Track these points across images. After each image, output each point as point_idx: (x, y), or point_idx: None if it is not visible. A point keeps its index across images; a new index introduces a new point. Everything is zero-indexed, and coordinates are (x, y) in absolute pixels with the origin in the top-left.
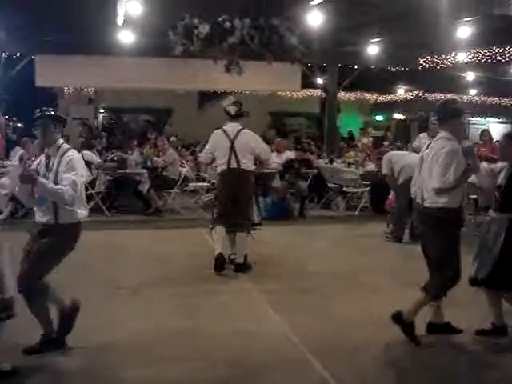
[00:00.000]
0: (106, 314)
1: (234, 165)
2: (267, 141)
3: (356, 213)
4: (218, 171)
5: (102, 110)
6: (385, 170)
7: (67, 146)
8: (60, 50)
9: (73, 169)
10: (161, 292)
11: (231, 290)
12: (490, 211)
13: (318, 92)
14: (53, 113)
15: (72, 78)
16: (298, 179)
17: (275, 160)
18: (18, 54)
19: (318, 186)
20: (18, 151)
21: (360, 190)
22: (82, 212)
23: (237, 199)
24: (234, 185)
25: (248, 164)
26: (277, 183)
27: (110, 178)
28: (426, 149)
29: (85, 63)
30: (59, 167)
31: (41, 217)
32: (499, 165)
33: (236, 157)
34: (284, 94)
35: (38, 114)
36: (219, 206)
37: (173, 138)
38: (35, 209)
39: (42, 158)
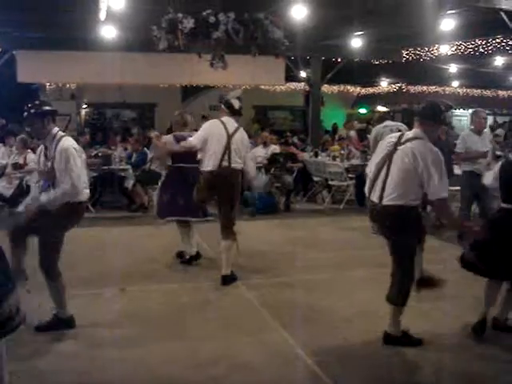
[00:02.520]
0: (94, 312)
1: (225, 163)
2: (250, 135)
3: (341, 206)
4: (205, 168)
5: (85, 106)
6: (372, 150)
7: (61, 135)
8: (42, 45)
9: (67, 160)
10: (146, 289)
11: (218, 287)
12: (502, 203)
13: (302, 85)
14: (45, 108)
15: (54, 73)
16: (283, 173)
17: (260, 154)
18: None
19: (303, 180)
20: (0, 147)
21: (345, 183)
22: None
23: (222, 201)
24: (221, 186)
25: (239, 164)
26: (260, 179)
27: (95, 174)
28: (396, 145)
29: (67, 59)
30: (55, 157)
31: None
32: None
33: (229, 154)
34: (268, 87)
35: (25, 114)
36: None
37: (156, 133)
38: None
39: (42, 147)
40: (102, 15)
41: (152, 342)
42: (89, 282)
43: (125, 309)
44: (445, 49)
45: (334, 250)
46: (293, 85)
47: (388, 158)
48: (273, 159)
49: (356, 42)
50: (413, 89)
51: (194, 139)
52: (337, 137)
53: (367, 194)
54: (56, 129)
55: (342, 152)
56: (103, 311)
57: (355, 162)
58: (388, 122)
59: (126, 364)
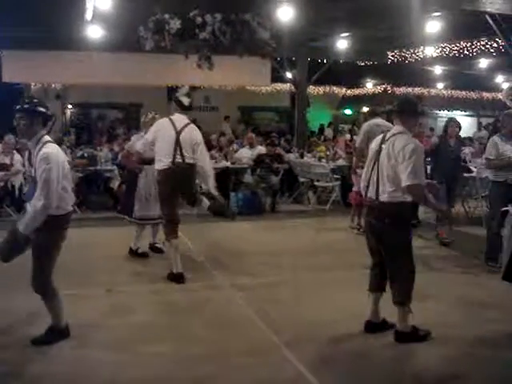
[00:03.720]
0: (81, 314)
1: (178, 159)
2: (237, 136)
3: (327, 207)
4: (160, 167)
5: (70, 106)
6: (360, 144)
7: (46, 139)
8: (27, 45)
9: (46, 162)
10: (134, 289)
11: (204, 286)
12: None
13: (288, 86)
14: (39, 108)
15: (40, 73)
16: (269, 174)
17: (246, 155)
18: None
19: (289, 181)
20: None
21: (331, 184)
22: (66, 204)
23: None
24: (179, 181)
25: (192, 159)
26: (248, 178)
27: (80, 174)
28: (382, 143)
29: (53, 59)
30: (36, 163)
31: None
32: None
33: (181, 150)
34: (253, 88)
35: (17, 107)
36: (166, 208)
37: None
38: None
39: (27, 152)
40: (89, 15)
41: (140, 342)
42: (75, 282)
43: (112, 309)
44: (430, 51)
45: (320, 250)
46: (278, 85)
47: (376, 157)
48: (259, 160)
49: (342, 44)
50: (398, 90)
51: (137, 144)
52: (323, 137)
53: (363, 192)
54: (43, 132)
55: (328, 153)
56: (89, 312)
57: (341, 163)
58: (380, 121)
59: (114, 365)
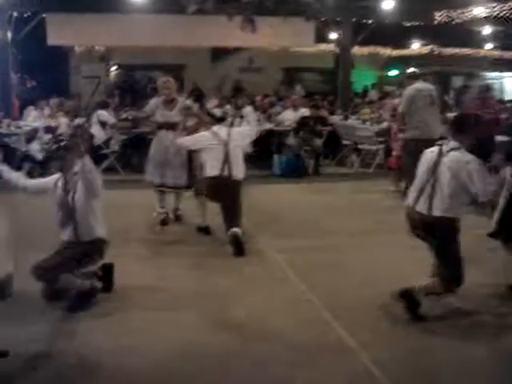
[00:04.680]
0: (125, 274)
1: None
2: (280, 98)
3: (371, 170)
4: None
5: (114, 68)
6: (403, 109)
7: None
8: (72, 8)
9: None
10: (176, 252)
11: (246, 251)
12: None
13: (332, 47)
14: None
15: (83, 36)
16: (312, 136)
17: (290, 117)
18: (29, 13)
19: (332, 143)
20: (31, 111)
21: (375, 147)
22: (101, 230)
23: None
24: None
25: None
26: (291, 141)
27: (125, 137)
28: (439, 157)
29: (96, 21)
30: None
31: (64, 235)
32: None
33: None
34: (297, 49)
35: (55, 147)
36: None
37: (187, 102)
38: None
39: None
40: None
41: (182, 306)
42: (119, 244)
43: (156, 272)
44: (478, 11)
45: (363, 214)
46: (322, 46)
47: (432, 170)
48: (302, 122)
49: (387, 4)
50: (445, 51)
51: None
52: (367, 99)
53: (410, 204)
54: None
55: (373, 116)
56: (134, 274)
57: (385, 126)
58: (422, 85)
59: (158, 327)
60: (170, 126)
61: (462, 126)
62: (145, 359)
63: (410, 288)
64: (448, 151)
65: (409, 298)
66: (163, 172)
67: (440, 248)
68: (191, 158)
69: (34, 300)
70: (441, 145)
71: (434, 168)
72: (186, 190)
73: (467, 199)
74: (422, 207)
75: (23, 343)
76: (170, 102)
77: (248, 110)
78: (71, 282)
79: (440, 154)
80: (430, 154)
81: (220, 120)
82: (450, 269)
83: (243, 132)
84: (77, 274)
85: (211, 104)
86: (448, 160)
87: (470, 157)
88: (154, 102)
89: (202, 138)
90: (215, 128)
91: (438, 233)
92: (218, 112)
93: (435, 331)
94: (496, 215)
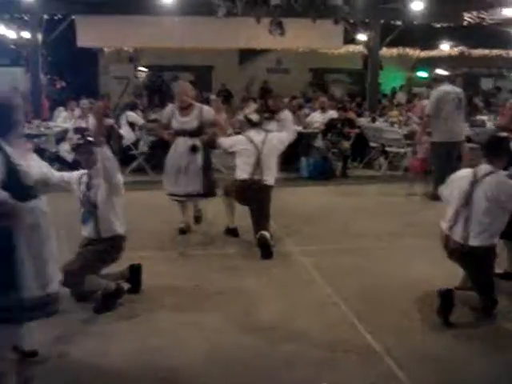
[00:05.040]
0: (153, 275)
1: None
2: (308, 99)
3: (398, 173)
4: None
5: (142, 68)
6: (431, 111)
7: None
8: (101, 10)
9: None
10: (204, 253)
11: (274, 253)
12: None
13: (360, 48)
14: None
15: (113, 37)
16: (340, 139)
17: (318, 119)
18: (59, 16)
19: (360, 146)
20: (61, 112)
21: (403, 150)
22: (121, 227)
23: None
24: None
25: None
26: (319, 143)
27: (153, 138)
28: (474, 184)
29: (125, 23)
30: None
31: (85, 231)
32: None
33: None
34: (325, 50)
35: (81, 141)
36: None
37: (212, 97)
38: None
39: (85, 176)
40: None
41: (209, 307)
42: (148, 244)
43: (184, 273)
44: (509, 12)
45: (390, 217)
46: (351, 47)
47: (467, 198)
48: (330, 125)
49: (416, 5)
50: (475, 52)
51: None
52: (395, 101)
53: (446, 231)
54: None
55: (401, 118)
56: (162, 275)
57: (414, 128)
58: (450, 88)
59: (185, 329)
60: (187, 133)
61: (497, 151)
62: (171, 361)
63: (451, 289)
64: (483, 177)
65: (447, 298)
66: (177, 180)
67: (476, 275)
68: (209, 164)
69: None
70: (474, 171)
71: (469, 195)
72: (200, 197)
73: (504, 223)
74: (458, 236)
75: (51, 344)
76: (186, 108)
77: (285, 113)
78: (96, 284)
79: (474, 181)
80: (462, 179)
81: (256, 125)
82: (486, 295)
83: (280, 138)
84: (102, 276)
85: (249, 109)
86: (484, 186)
87: (505, 179)
88: (169, 109)
89: (237, 142)
90: (251, 133)
91: (475, 262)
92: (254, 117)
93: (463, 338)
94: None
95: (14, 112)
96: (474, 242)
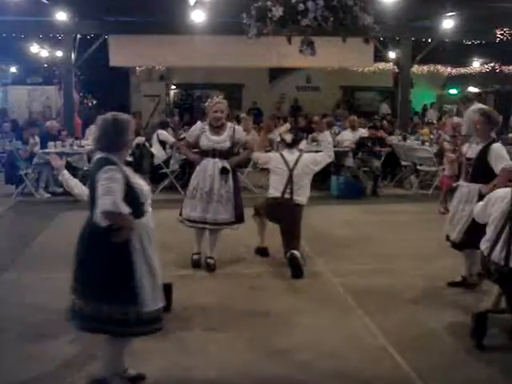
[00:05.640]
0: (183, 294)
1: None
2: (338, 118)
3: (430, 192)
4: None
5: (174, 87)
6: (467, 131)
7: None
8: (133, 30)
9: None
10: (233, 272)
11: (304, 273)
12: (461, 181)
13: (391, 66)
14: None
15: (144, 57)
16: (371, 157)
17: (348, 138)
18: (92, 35)
19: (391, 164)
20: (93, 130)
21: (434, 168)
22: None
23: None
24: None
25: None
26: (350, 161)
27: (184, 156)
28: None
29: (157, 43)
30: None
31: None
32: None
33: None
34: (355, 67)
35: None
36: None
37: (243, 115)
38: None
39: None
40: (192, 1)
41: (238, 326)
42: (178, 263)
43: (213, 291)
44: None
45: (423, 237)
46: (381, 65)
47: (508, 220)
48: (360, 143)
49: (447, 23)
50: (507, 69)
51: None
52: (426, 119)
53: (485, 253)
54: None
55: (432, 136)
56: (191, 293)
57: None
58: (481, 107)
59: (214, 348)
60: (217, 153)
61: None
62: (201, 380)
63: (485, 312)
64: None
65: (481, 321)
66: (204, 205)
67: None
68: (239, 188)
69: None
70: None
71: (509, 216)
72: (227, 226)
73: None
74: (498, 257)
75: (83, 362)
76: (218, 127)
77: (325, 134)
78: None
79: None
80: (501, 200)
81: (290, 145)
82: None
83: (314, 158)
84: None
85: (284, 128)
86: None
87: None
88: (198, 126)
89: (272, 159)
90: (285, 152)
91: None
92: (289, 137)
93: (495, 362)
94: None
95: (129, 134)
96: None
